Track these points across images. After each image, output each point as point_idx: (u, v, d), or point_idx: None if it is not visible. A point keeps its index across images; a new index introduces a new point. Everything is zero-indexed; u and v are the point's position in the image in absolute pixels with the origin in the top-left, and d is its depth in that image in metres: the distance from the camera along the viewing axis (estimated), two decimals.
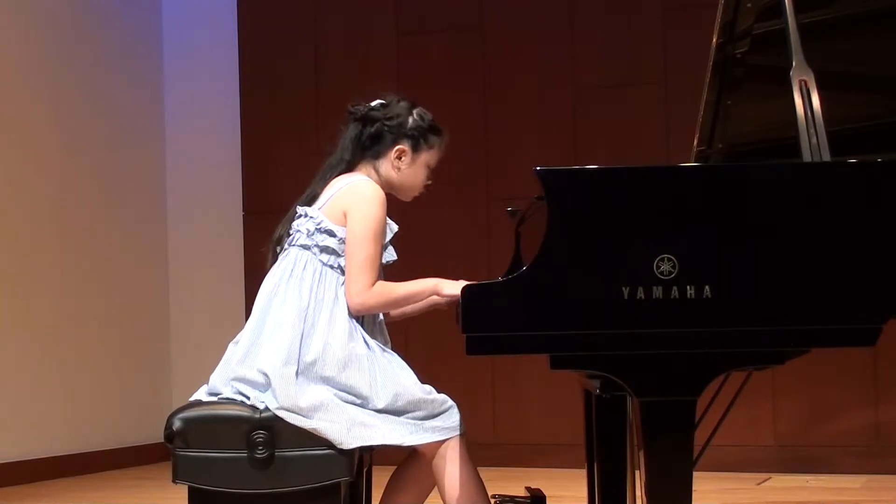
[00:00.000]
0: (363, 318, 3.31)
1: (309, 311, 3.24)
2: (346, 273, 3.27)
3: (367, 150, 3.40)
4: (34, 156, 6.70)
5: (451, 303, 3.26)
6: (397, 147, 3.39)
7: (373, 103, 3.42)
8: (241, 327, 3.35)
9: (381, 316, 3.39)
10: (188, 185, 7.59)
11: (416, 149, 3.40)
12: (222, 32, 7.50)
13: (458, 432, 3.26)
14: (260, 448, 3.16)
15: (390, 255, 3.38)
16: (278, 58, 7.35)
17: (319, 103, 7.16)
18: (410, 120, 3.40)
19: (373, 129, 3.39)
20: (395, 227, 3.40)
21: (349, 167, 3.40)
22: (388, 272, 3.40)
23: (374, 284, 3.26)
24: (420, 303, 3.40)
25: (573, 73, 6.80)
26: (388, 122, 3.38)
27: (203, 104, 7.59)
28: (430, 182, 3.48)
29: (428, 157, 3.43)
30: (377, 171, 3.40)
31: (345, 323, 3.24)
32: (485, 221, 6.84)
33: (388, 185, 3.41)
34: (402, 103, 3.43)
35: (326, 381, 3.19)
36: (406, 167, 3.40)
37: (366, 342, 3.26)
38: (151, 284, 7.47)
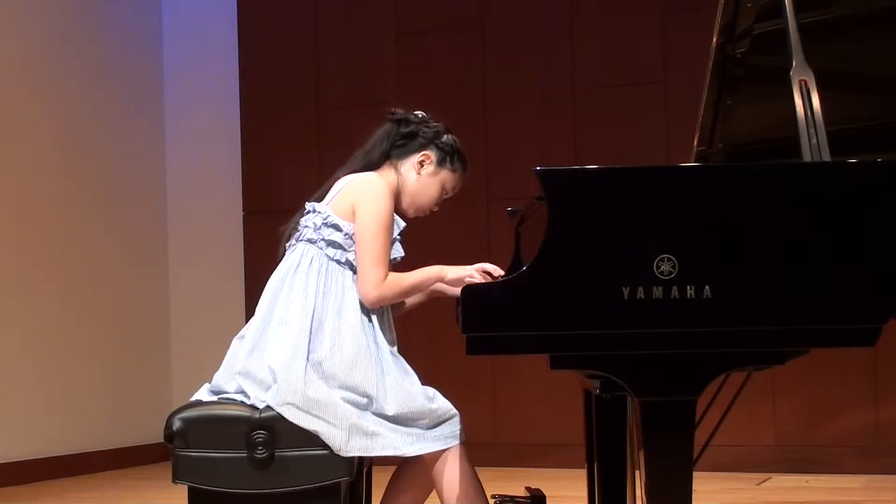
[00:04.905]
0: (376, 313, 3.31)
1: (316, 307, 3.25)
2: (358, 267, 3.29)
3: (396, 147, 3.44)
4: (34, 155, 6.70)
5: (456, 288, 3.25)
6: (424, 152, 3.44)
7: (415, 112, 3.50)
8: (241, 326, 3.35)
9: (391, 314, 3.40)
10: (188, 185, 7.59)
11: (440, 163, 3.46)
12: (222, 32, 7.50)
13: (458, 441, 3.27)
14: (260, 448, 3.16)
15: (398, 251, 3.39)
16: (278, 58, 7.34)
17: (319, 103, 7.15)
18: (445, 136, 3.48)
19: (407, 130, 3.45)
20: (403, 224, 3.41)
21: (379, 160, 3.43)
22: (393, 269, 3.39)
23: (387, 276, 3.29)
24: (422, 293, 3.44)
25: (573, 73, 6.80)
26: (424, 128, 3.46)
27: (203, 104, 7.59)
28: (436, 208, 3.51)
29: (447, 177, 3.48)
30: (397, 170, 3.43)
31: (354, 318, 3.25)
32: (485, 221, 6.83)
33: (402, 188, 3.44)
34: (441, 123, 3.51)
35: (334, 379, 3.20)
36: (426, 176, 3.44)
37: (375, 340, 3.27)
38: (151, 284, 7.47)
